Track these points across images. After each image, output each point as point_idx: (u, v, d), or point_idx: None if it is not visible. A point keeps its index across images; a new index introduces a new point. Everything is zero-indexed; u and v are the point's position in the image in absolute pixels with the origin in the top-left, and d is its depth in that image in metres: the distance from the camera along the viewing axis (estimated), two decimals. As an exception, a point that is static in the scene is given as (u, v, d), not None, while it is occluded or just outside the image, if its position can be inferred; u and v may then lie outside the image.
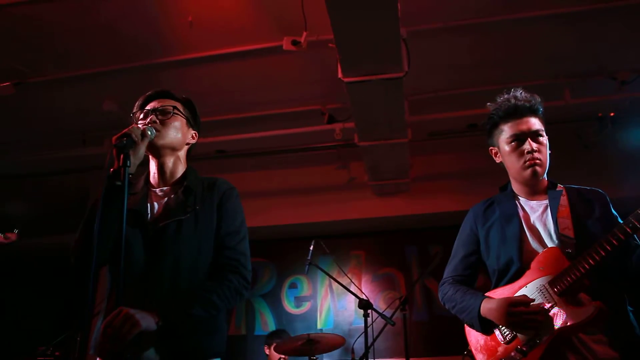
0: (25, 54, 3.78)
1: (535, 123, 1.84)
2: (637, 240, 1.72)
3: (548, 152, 1.87)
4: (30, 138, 4.80)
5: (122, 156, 1.50)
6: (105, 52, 3.80)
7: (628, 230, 1.54)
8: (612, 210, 1.80)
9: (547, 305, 1.65)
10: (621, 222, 1.60)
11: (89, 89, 4.15)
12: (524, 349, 1.65)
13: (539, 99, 1.89)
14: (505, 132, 1.87)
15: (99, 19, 3.47)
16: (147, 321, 1.47)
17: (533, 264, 1.74)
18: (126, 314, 1.43)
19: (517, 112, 1.85)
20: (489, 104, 1.97)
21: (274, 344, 4.13)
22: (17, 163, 4.99)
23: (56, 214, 5.17)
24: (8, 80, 3.90)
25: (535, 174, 1.81)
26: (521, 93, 1.89)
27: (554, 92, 4.07)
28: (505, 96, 1.91)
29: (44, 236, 5.41)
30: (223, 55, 3.82)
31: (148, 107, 1.80)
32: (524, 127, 1.83)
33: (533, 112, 1.85)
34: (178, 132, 1.80)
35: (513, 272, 1.79)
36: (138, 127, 1.63)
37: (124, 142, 1.51)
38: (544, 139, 1.85)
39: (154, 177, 1.83)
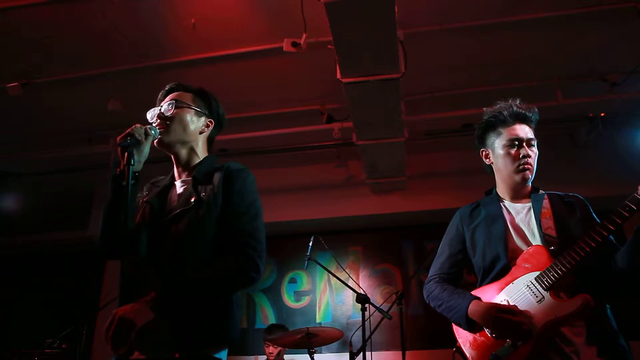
0: (32, 55, 3.81)
1: (530, 132, 1.93)
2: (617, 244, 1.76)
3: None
4: (37, 137, 4.80)
5: (126, 155, 1.52)
6: (110, 53, 3.83)
7: (611, 227, 1.59)
8: (593, 214, 1.85)
9: (536, 300, 1.68)
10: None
11: (95, 89, 4.16)
12: (515, 343, 1.67)
13: (536, 110, 1.97)
14: (504, 135, 1.93)
15: (104, 22, 3.50)
16: (142, 314, 1.43)
17: (519, 261, 1.78)
18: (120, 317, 1.41)
19: (518, 118, 1.92)
20: (485, 108, 2.01)
21: (272, 338, 4.16)
22: (25, 161, 4.99)
23: (63, 210, 5.18)
24: (16, 80, 3.93)
25: (525, 178, 1.88)
26: (519, 102, 1.96)
27: (546, 93, 4.11)
28: (503, 104, 1.97)
29: (51, 232, 5.42)
30: (225, 57, 3.85)
31: (158, 107, 1.80)
32: (521, 133, 1.90)
33: (531, 122, 1.94)
34: (183, 124, 1.76)
35: (499, 268, 1.82)
36: (141, 126, 1.62)
37: (128, 141, 1.53)
38: (536, 149, 1.93)
39: (176, 170, 1.82)
